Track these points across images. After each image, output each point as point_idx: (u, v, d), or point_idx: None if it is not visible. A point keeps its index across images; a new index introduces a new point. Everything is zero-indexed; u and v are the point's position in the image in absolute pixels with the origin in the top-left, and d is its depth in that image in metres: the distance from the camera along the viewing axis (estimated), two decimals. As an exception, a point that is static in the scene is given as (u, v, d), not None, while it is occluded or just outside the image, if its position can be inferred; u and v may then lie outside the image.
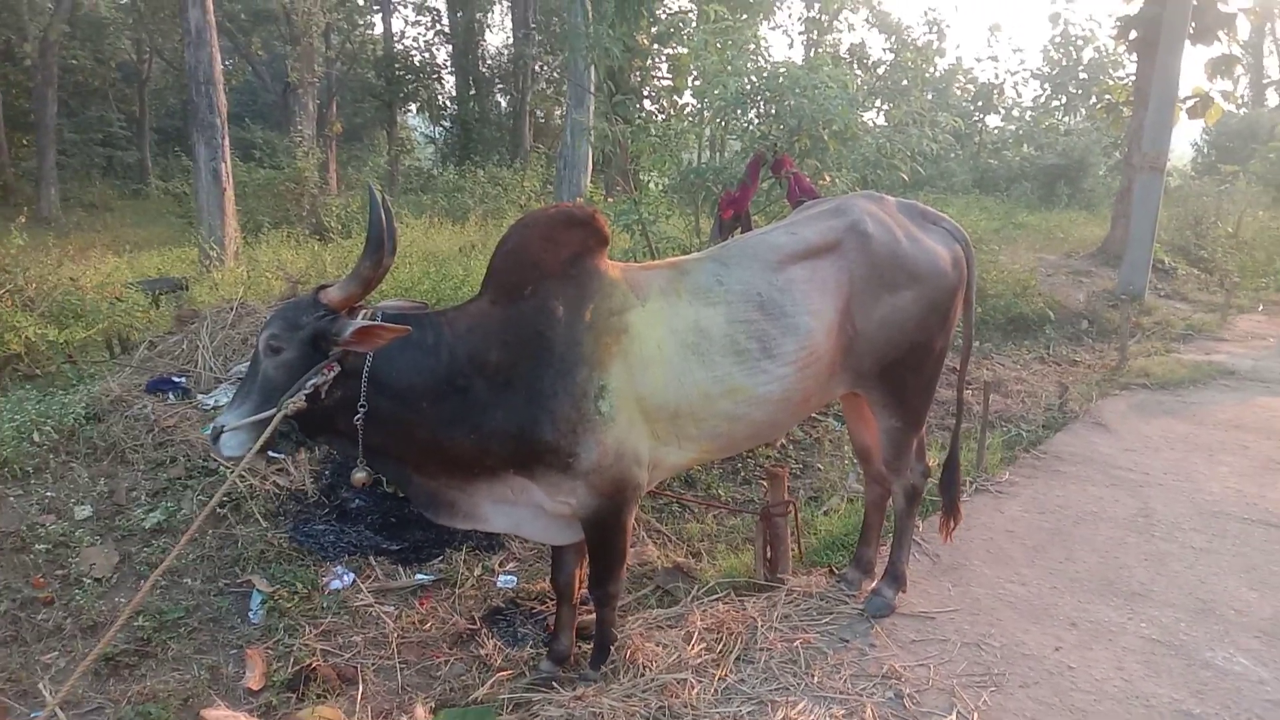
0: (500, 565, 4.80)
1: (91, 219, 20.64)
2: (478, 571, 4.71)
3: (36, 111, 21.77)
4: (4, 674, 3.75)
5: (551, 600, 4.09)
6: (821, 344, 3.59)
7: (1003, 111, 28.53)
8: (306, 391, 3.02)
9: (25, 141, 25.22)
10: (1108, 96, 17.45)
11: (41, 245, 8.55)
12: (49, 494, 4.75)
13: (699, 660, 3.70)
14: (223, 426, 3.07)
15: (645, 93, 14.50)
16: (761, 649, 3.79)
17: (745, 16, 8.25)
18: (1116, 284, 12.41)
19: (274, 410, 3.02)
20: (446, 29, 29.90)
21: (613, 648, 3.76)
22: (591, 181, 14.34)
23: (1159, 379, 8.45)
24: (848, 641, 3.88)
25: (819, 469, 6.25)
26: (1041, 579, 4.51)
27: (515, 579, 4.67)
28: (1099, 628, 4.05)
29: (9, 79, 24.15)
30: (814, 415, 6.74)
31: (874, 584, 4.27)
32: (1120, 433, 6.90)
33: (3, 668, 3.78)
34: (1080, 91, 26.97)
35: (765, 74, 6.98)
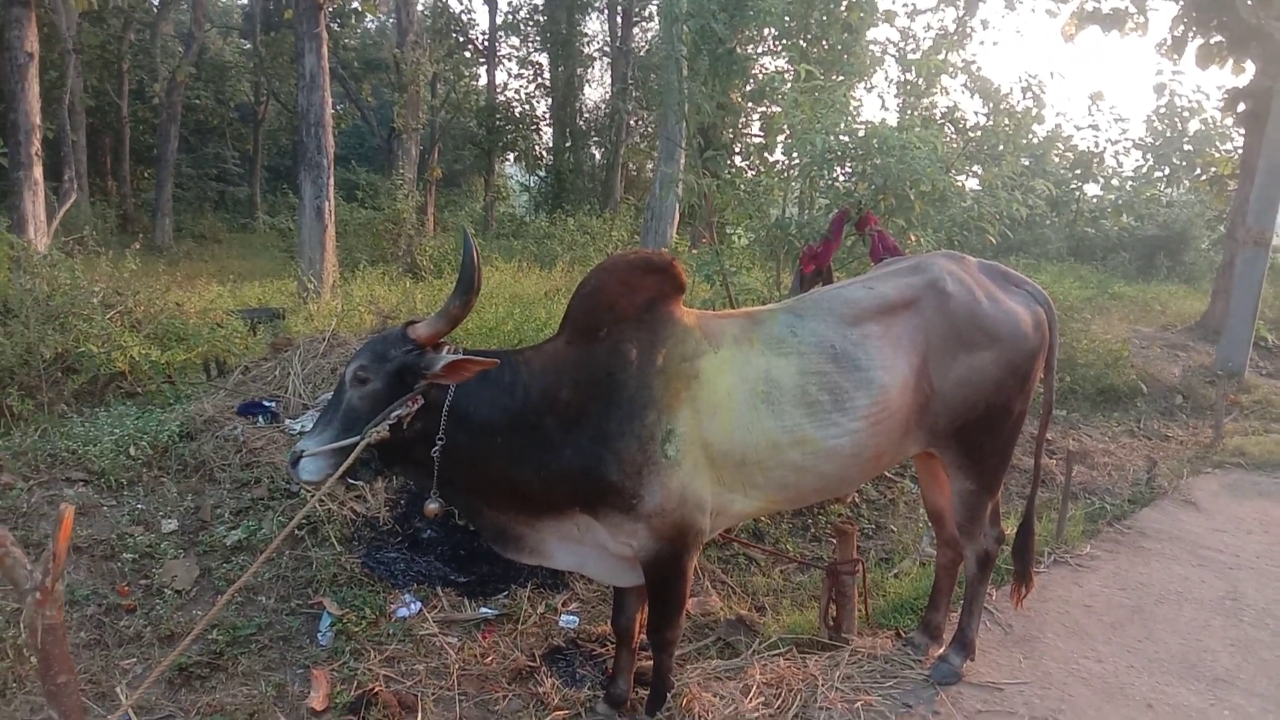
0: (563, 605, 4.83)
1: (201, 249, 21.65)
2: (541, 609, 4.74)
3: (159, 147, 23.04)
4: (85, 675, 3.90)
5: (612, 643, 4.10)
6: (895, 400, 3.57)
7: (1102, 180, 27.90)
8: (390, 422, 3.12)
9: (147, 174, 26.73)
10: (1213, 169, 17.00)
11: (153, 272, 9.00)
12: (140, 506, 4.96)
13: (756, 714, 3.67)
14: (302, 452, 3.17)
15: (737, 149, 14.64)
16: (821, 708, 3.74)
17: (841, 79, 8.29)
18: (1215, 360, 11.96)
19: (357, 438, 3.12)
20: (547, 82, 30.73)
21: (669, 695, 3.75)
22: (677, 233, 14.50)
23: (1256, 459, 8.10)
24: (910, 707, 3.80)
25: (892, 530, 6.15)
26: (1118, 657, 4.35)
27: (577, 619, 4.69)
28: (1177, 711, 3.88)
29: (137, 116, 25.71)
30: (889, 476, 6.65)
31: (941, 650, 4.17)
32: (1211, 512, 6.63)
33: (85, 670, 3.94)
34: (1184, 163, 26.22)
35: (854, 133, 7.02)
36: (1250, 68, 14.26)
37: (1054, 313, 3.96)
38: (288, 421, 5.82)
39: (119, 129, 24.68)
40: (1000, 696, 3.94)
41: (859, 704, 3.76)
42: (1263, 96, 12.96)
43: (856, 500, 6.36)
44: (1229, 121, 18.43)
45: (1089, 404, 9.66)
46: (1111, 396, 9.87)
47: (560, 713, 3.84)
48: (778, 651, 4.22)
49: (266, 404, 5.96)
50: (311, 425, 3.40)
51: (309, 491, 4.54)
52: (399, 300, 9.27)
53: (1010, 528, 5.00)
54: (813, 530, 5.95)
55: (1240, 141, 16.02)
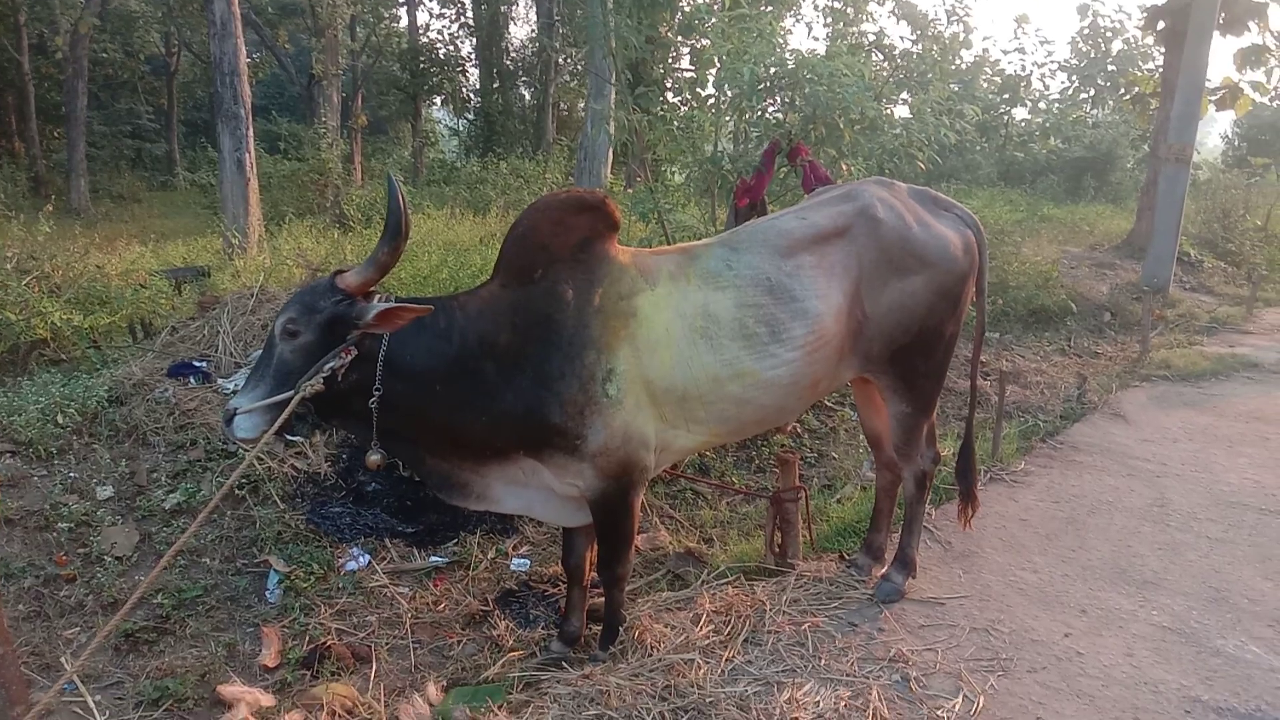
0: (514, 548, 4.86)
1: (120, 210, 20.93)
2: (491, 554, 4.77)
3: (67, 104, 22.02)
4: (28, 648, 3.84)
5: (563, 583, 4.14)
6: (830, 328, 3.60)
7: (1030, 104, 28.25)
8: (324, 375, 3.05)
9: (56, 134, 25.61)
10: (1136, 88, 17.27)
11: (69, 235, 8.66)
12: (72, 474, 4.83)
13: (707, 642, 3.73)
14: (235, 410, 3.10)
15: (668, 84, 14.48)
16: (769, 632, 3.82)
17: (769, 8, 8.21)
18: (1141, 276, 12.30)
19: (291, 393, 3.05)
20: (471, 22, 29.94)
21: (622, 629, 3.81)
22: (612, 172, 14.37)
23: (1180, 371, 8.38)
24: (856, 625, 3.90)
25: (834, 458, 6.26)
26: (1053, 567, 4.50)
27: (528, 562, 4.72)
28: (1109, 615, 4.04)
29: (41, 72, 24.49)
30: (829, 404, 6.75)
31: (884, 570, 4.28)
32: (1139, 424, 6.86)
33: (26, 642, 3.87)
34: (1109, 84, 26.63)
35: (783, 63, 6.97)
36: (1169, -15, 14.44)
37: (983, 236, 4.01)
38: (220, 381, 5.70)
39: (22, 87, 23.50)
40: (942, 610, 4.06)
41: (806, 625, 3.85)
42: (1181, 14, 13.16)
43: (798, 430, 6.45)
44: (1150, 40, 18.67)
45: (1021, 325, 9.89)
46: (1042, 317, 10.11)
47: (515, 653, 3.89)
48: (726, 580, 4.30)
49: (197, 364, 5.82)
50: (244, 382, 3.33)
51: (245, 449, 4.46)
52: (328, 252, 9.07)
53: (947, 449, 5.13)
54: (756, 461, 6.04)
55: (1161, 60, 16.27)
